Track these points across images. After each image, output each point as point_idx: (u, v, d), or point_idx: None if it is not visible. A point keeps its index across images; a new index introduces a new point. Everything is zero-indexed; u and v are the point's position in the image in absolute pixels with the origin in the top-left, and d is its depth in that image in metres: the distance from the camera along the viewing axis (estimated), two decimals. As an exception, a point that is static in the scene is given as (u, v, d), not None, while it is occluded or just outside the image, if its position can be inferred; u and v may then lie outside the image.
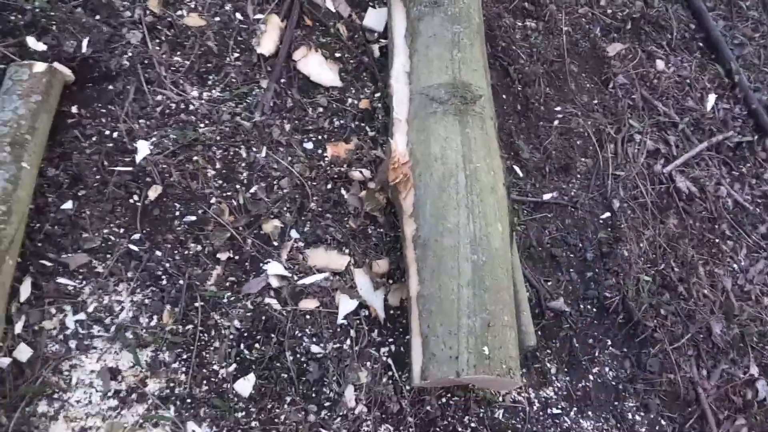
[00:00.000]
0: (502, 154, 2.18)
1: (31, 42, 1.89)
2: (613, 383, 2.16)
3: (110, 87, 1.95)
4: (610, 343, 2.21)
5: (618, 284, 2.26)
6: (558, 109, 2.47)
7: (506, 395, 2.05)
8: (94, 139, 1.90)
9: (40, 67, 1.81)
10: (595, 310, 2.24)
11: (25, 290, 1.78)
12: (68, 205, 1.85)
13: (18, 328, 1.75)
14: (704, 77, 2.81)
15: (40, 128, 1.77)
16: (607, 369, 2.17)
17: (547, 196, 2.32)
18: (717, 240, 2.51)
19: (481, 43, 2.02)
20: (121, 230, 1.89)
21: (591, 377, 2.15)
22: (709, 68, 2.84)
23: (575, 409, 2.09)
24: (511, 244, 1.97)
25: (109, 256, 1.86)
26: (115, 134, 1.92)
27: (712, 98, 2.76)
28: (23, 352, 1.74)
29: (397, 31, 2.04)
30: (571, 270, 2.27)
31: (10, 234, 1.60)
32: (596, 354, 2.19)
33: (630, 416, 2.13)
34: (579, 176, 2.41)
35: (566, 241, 2.30)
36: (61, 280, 1.82)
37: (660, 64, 2.74)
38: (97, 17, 1.96)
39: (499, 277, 1.71)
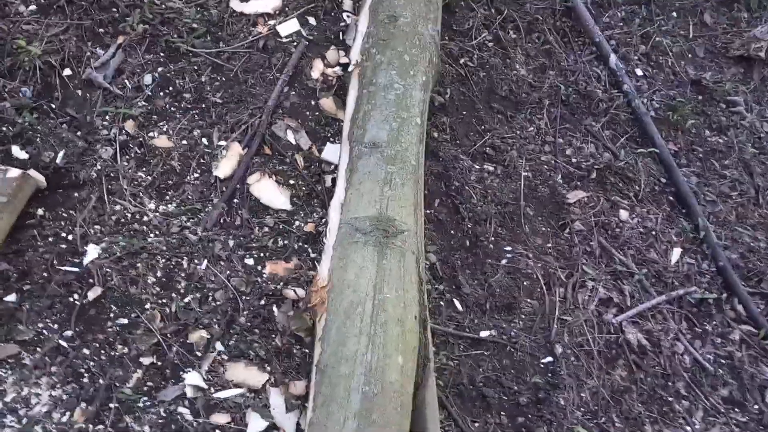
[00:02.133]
0: (427, 288, 2.24)
1: (15, 151, 2.15)
2: None
3: (76, 194, 2.16)
4: (536, 497, 2.11)
5: (549, 433, 2.19)
6: (508, 248, 2.53)
7: None
8: (50, 239, 2.10)
9: (13, 172, 2.05)
10: (522, 459, 2.16)
11: (-48, 375, 1.91)
12: (11, 297, 2.01)
13: (-64, 410, 1.86)
14: (671, 230, 2.82)
15: (-2, 226, 1.98)
16: None
17: (484, 334, 2.33)
18: (670, 398, 2.41)
19: (415, 184, 2.15)
20: (56, 326, 2.02)
21: None
22: (677, 222, 2.86)
23: None
24: (425, 379, 1.98)
25: (38, 349, 1.98)
26: (70, 237, 2.11)
27: (677, 252, 2.76)
28: (-66, 435, 1.83)
29: (341, 166, 2.21)
30: (502, 413, 2.22)
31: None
32: (520, 507, 2.08)
33: None
34: (522, 317, 2.41)
35: (500, 382, 2.27)
36: (-12, 368, 1.94)
37: (623, 214, 2.79)
38: (78, 133, 2.22)
39: (388, 412, 1.71)
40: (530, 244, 2.58)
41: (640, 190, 2.88)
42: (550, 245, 2.61)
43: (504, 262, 2.50)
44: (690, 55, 3.49)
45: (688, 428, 2.37)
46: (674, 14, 3.58)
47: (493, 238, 2.53)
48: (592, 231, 2.69)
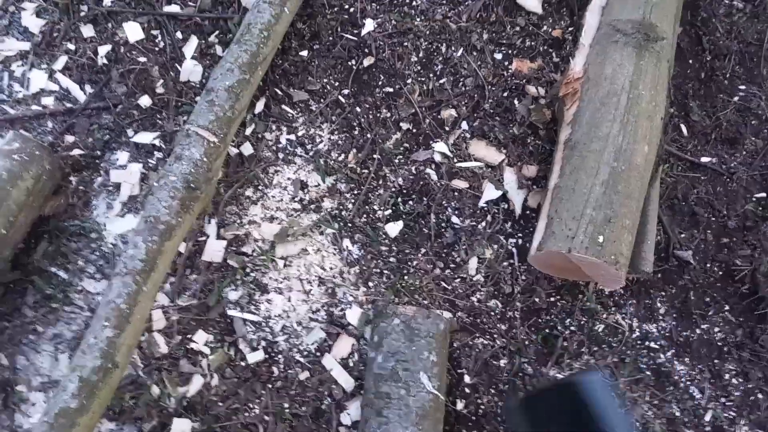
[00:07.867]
0: (670, 101, 2.35)
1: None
2: (719, 344, 2.26)
3: (360, -27, 2.44)
4: (727, 308, 2.30)
5: (752, 257, 2.33)
6: (742, 87, 2.55)
7: (609, 316, 2.25)
8: (336, 9, 2.42)
9: (314, -56, 2.34)
10: (721, 273, 2.34)
11: (259, 106, 2.35)
12: (304, 53, 2.39)
13: (248, 131, 2.32)
14: None
15: (302, -12, 2.31)
16: (716, 330, 2.27)
17: (705, 160, 2.44)
18: None
19: (678, 1, 2.20)
20: (336, 83, 2.39)
21: (698, 331, 2.27)
22: None
23: (673, 351, 2.24)
24: (653, 179, 2.16)
25: (323, 100, 2.37)
26: (352, 9, 2.42)
27: None
28: (247, 149, 2.31)
29: (603, -27, 2.29)
30: (709, 231, 2.38)
31: (265, 53, 2.14)
32: (710, 313, 2.29)
33: (727, 377, 2.22)
34: (744, 152, 2.48)
35: (712, 204, 2.41)
36: (285, 107, 2.36)
37: None
38: None
39: (632, 187, 1.94)
40: (765, 87, 2.57)
41: None
42: (786, 91, 2.59)
43: (736, 99, 2.53)
44: None
45: None
46: None
47: (729, 75, 2.55)
48: (836, 83, 2.61)
